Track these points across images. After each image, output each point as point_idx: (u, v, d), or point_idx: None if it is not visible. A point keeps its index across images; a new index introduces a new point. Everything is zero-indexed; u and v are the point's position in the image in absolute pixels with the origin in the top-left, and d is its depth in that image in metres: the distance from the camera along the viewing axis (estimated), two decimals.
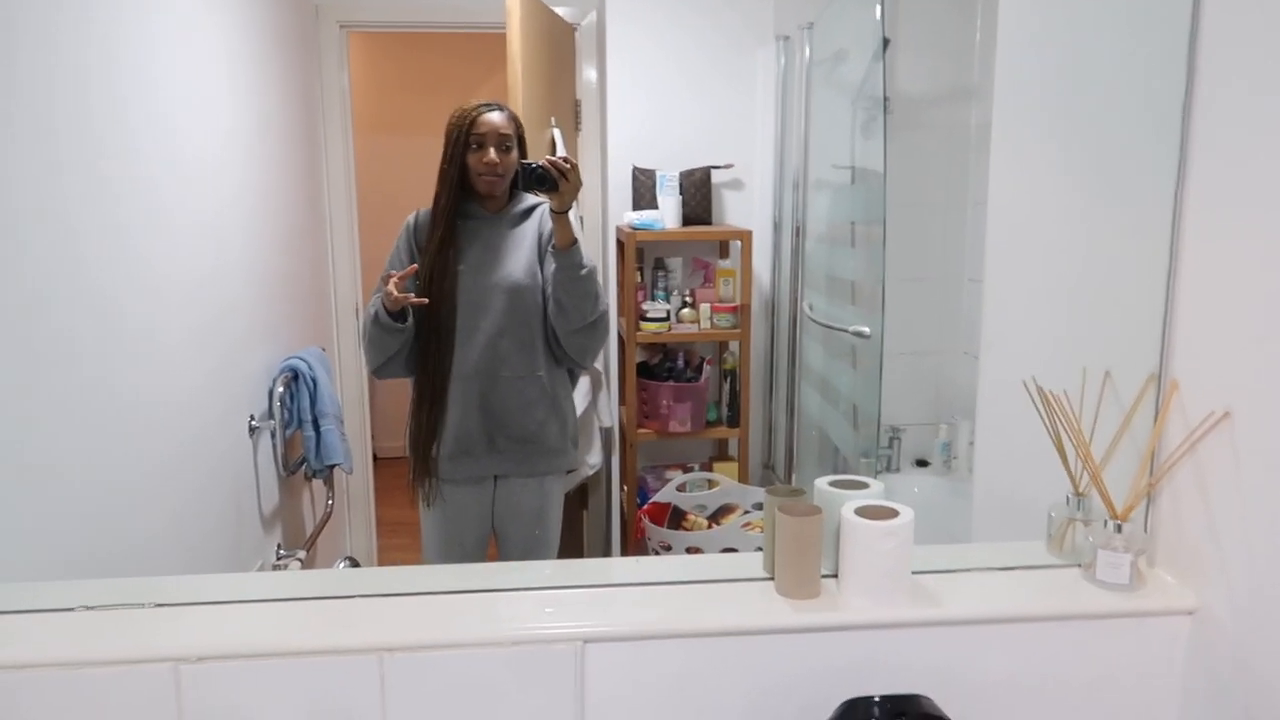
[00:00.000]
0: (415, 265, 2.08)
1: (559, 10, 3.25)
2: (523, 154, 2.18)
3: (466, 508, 2.27)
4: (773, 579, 1.13)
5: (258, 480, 2.59)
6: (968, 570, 1.18)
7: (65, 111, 1.62)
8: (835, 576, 1.13)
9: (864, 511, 1.09)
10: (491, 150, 2.11)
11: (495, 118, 2.13)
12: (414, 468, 2.25)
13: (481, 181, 2.13)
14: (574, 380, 2.38)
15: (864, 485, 1.16)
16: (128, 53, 1.88)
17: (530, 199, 2.24)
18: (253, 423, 2.53)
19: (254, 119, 2.65)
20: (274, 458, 2.69)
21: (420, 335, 2.15)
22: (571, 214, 2.07)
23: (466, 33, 4.83)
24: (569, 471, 2.38)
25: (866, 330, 2.39)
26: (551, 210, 2.05)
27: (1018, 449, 1.54)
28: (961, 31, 3.22)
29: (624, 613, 1.08)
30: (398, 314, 2.08)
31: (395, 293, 2.03)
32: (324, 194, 3.43)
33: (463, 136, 2.11)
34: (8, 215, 1.44)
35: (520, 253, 2.17)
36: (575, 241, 2.07)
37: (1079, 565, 1.18)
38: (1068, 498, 1.21)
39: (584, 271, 2.08)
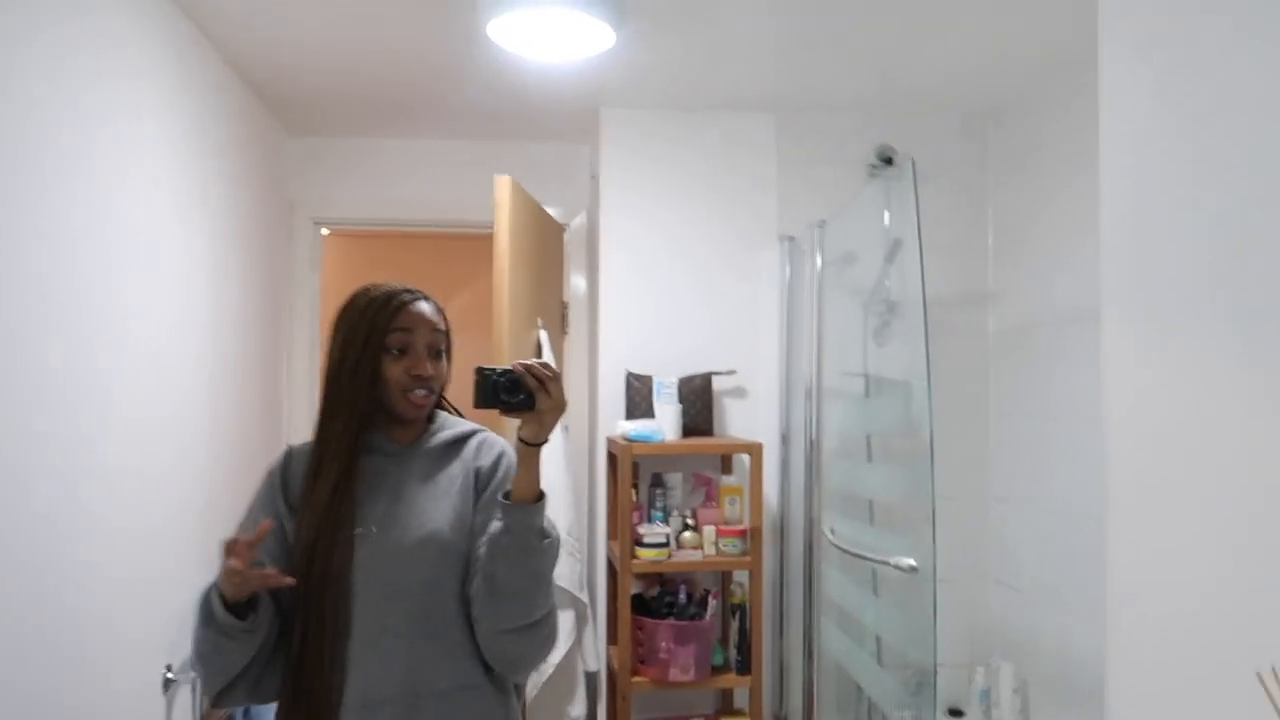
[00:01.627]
0: (267, 522, 1.36)
1: (548, 210, 3.07)
2: (449, 363, 1.56)
3: None
4: None
5: None
6: None
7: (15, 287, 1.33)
8: None
9: None
10: (424, 356, 1.48)
11: (426, 310, 1.50)
12: None
13: (406, 400, 1.46)
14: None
15: None
16: (84, 238, 1.61)
17: (456, 423, 1.59)
18: (169, 674, 2.08)
19: (215, 317, 2.36)
20: (193, 718, 2.22)
21: (290, 641, 1.41)
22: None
23: (445, 235, 4.71)
24: None
25: (913, 562, 2.02)
26: (520, 440, 1.38)
27: None
28: (973, 233, 3.07)
29: None
30: (241, 605, 1.36)
31: (238, 566, 1.30)
32: (283, 403, 3.10)
33: (378, 334, 1.46)
34: None
35: (446, 501, 1.49)
36: (542, 495, 1.40)
37: None
38: None
39: (545, 542, 1.39)
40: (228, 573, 1.31)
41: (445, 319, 1.55)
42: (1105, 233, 1.30)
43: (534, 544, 1.38)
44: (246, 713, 2.39)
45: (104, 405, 1.78)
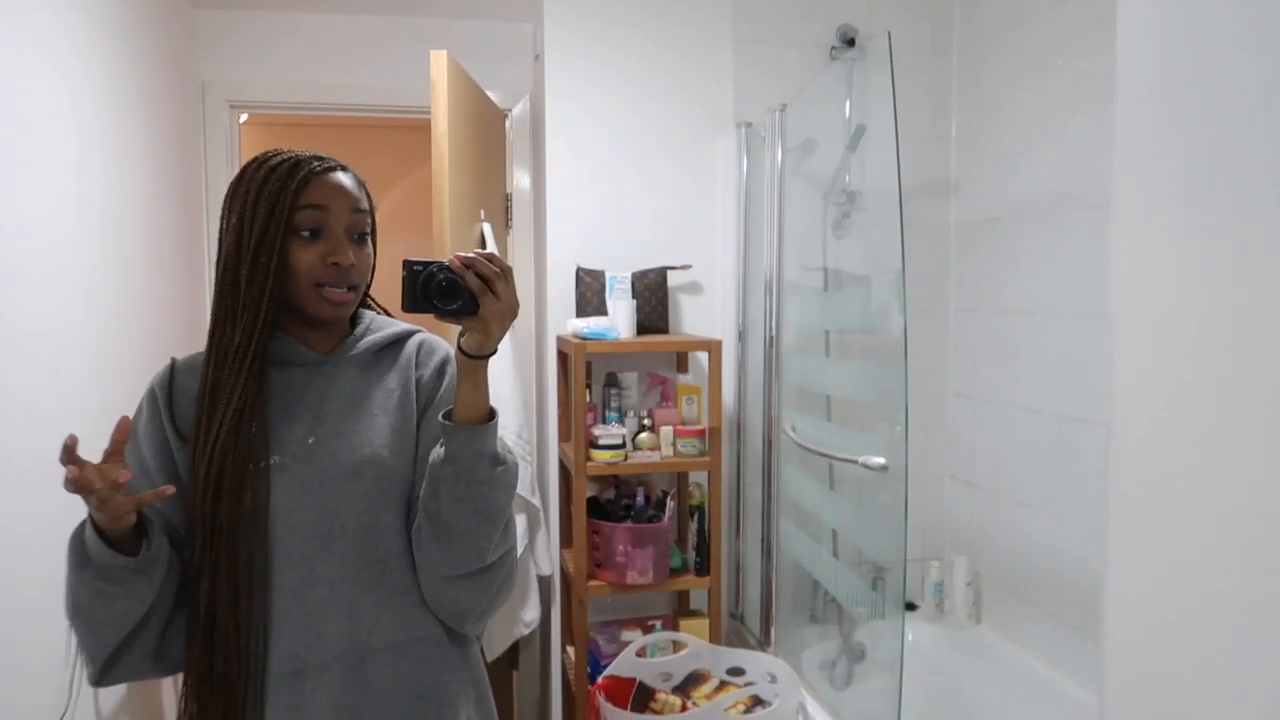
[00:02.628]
0: (165, 495, 1.08)
1: (489, 94, 2.85)
2: (374, 252, 1.26)
3: None
4: None
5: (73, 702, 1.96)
6: None
7: None
8: None
9: None
10: (343, 241, 1.18)
11: (344, 181, 1.20)
12: None
13: (320, 297, 1.18)
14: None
15: None
16: None
17: (386, 324, 1.31)
18: None
19: (113, 210, 2.11)
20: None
21: (195, 600, 1.14)
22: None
23: (381, 125, 4.41)
24: None
25: (883, 461, 1.95)
26: (461, 351, 1.13)
27: (1182, 644, 1.09)
28: (937, 122, 2.94)
29: None
30: (125, 540, 1.10)
31: (102, 487, 1.02)
32: (203, 304, 2.88)
33: (282, 213, 1.15)
34: None
35: (382, 419, 1.23)
36: (492, 414, 1.16)
37: None
38: None
39: (500, 469, 1.15)
40: (96, 497, 1.03)
41: (368, 195, 1.26)
42: (1122, 105, 1.17)
43: (484, 473, 1.13)
44: None
45: None
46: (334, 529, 1.18)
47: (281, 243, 1.16)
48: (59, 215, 1.83)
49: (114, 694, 2.03)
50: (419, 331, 1.32)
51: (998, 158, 2.74)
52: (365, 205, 1.23)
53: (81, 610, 1.11)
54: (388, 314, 1.35)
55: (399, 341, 1.30)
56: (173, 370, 1.23)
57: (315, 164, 1.19)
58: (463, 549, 1.17)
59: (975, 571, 2.83)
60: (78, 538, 1.11)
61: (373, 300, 1.35)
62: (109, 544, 1.08)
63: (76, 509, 1.11)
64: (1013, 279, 2.67)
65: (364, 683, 1.18)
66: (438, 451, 1.16)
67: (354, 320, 1.29)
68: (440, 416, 1.16)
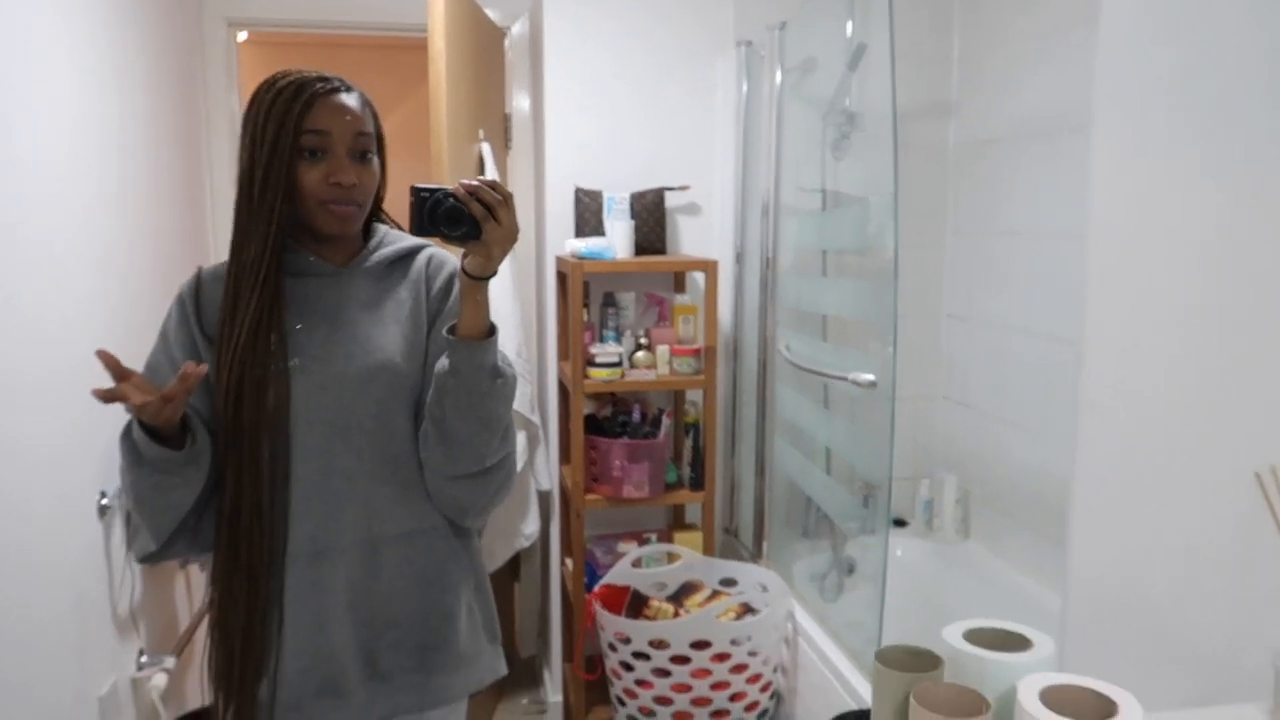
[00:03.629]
0: (199, 366, 1.14)
1: (488, 12, 2.82)
2: (382, 169, 1.34)
3: None
4: None
5: (110, 572, 2.05)
6: None
7: None
8: None
9: (1057, 698, 0.67)
10: (346, 159, 1.25)
11: (348, 101, 1.26)
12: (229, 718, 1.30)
13: (327, 212, 1.26)
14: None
15: (1021, 641, 0.75)
16: None
17: (399, 237, 1.39)
18: (104, 500, 2.00)
19: (114, 130, 2.12)
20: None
21: (223, 489, 1.26)
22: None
23: (379, 44, 4.36)
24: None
25: (872, 378, 2.00)
26: (464, 272, 1.20)
27: (1140, 549, 1.15)
28: (937, 42, 2.91)
29: None
30: (173, 436, 1.20)
31: (144, 395, 1.12)
32: (206, 224, 2.90)
33: (288, 135, 1.21)
34: None
35: (395, 327, 1.32)
36: (493, 330, 1.24)
37: None
38: None
39: (498, 382, 1.24)
40: (140, 402, 1.13)
41: (374, 113, 1.32)
42: (1105, 16, 1.18)
43: (484, 385, 1.22)
44: None
45: None
46: (350, 426, 1.28)
47: (289, 162, 1.23)
48: (56, 133, 1.85)
49: (134, 590, 2.13)
50: (428, 245, 1.39)
51: (996, 79, 2.72)
52: (369, 126, 1.28)
53: (144, 501, 1.24)
54: (400, 228, 1.41)
55: (410, 255, 1.38)
56: (199, 278, 1.32)
57: (319, 85, 1.24)
58: (463, 452, 1.27)
59: (964, 489, 2.89)
60: (126, 437, 1.22)
61: (386, 215, 1.42)
62: (158, 440, 1.19)
63: (80, 422, 1.18)
64: (1007, 201, 2.68)
65: (376, 566, 1.30)
66: (442, 362, 1.24)
67: (368, 234, 1.37)
68: (445, 331, 1.23)
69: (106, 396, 1.12)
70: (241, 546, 1.24)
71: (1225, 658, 1.02)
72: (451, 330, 1.23)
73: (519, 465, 2.54)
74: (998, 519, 2.76)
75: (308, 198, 1.25)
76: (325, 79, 1.26)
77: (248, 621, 1.26)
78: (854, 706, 1.97)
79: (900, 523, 3.03)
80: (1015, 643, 0.75)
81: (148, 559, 1.31)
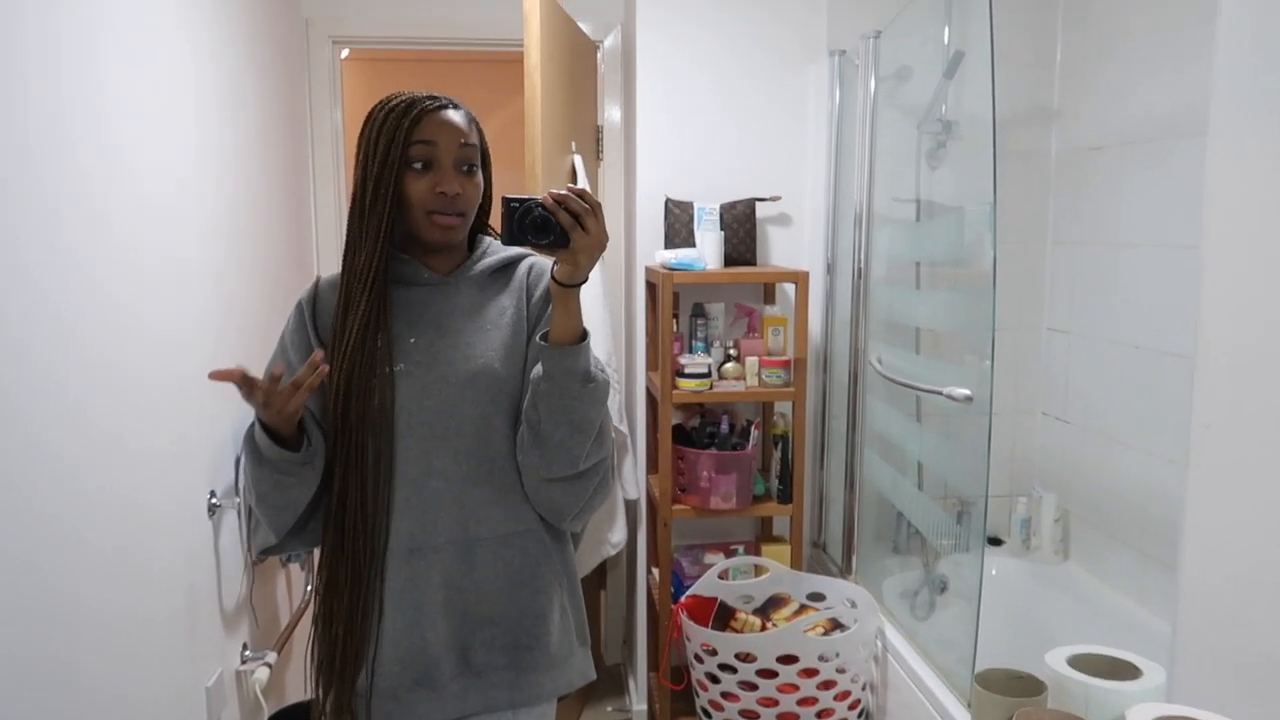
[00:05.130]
0: (319, 365, 1.21)
1: (581, 25, 2.86)
2: (486, 182, 1.39)
3: None
4: None
5: (219, 568, 2.14)
6: None
7: None
8: None
9: None
10: (450, 172, 1.31)
11: (454, 117, 1.32)
12: (325, 708, 1.36)
13: (432, 223, 1.31)
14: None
15: (1130, 669, 0.72)
16: (70, 59, 1.47)
17: (502, 250, 1.43)
18: (214, 500, 2.09)
19: (229, 145, 2.23)
20: (240, 540, 2.25)
21: (331, 486, 1.33)
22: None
23: (476, 59, 4.47)
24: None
25: (968, 393, 1.95)
26: (554, 281, 1.24)
27: (1257, 575, 1.09)
28: (1040, 48, 2.83)
29: None
30: (292, 438, 1.28)
31: (267, 393, 1.21)
32: (310, 238, 3.02)
33: (398, 148, 1.28)
34: None
35: (495, 334, 1.36)
36: (584, 335, 1.27)
37: None
38: None
39: (590, 385, 1.27)
40: (262, 397, 1.21)
41: (479, 130, 1.38)
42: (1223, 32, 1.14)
43: (575, 389, 1.26)
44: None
45: (108, 246, 1.66)
46: (450, 429, 1.33)
47: (398, 175, 1.29)
48: (181, 154, 1.95)
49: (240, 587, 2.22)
50: (530, 255, 1.44)
51: (1104, 85, 2.63)
52: (473, 139, 1.35)
53: (264, 498, 1.31)
54: None
55: (512, 264, 1.43)
56: (317, 286, 1.40)
57: (428, 103, 1.32)
58: (558, 455, 1.30)
59: (1064, 508, 2.80)
60: (250, 439, 1.29)
61: (491, 229, 1.47)
62: (278, 442, 1.27)
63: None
64: (1112, 210, 2.59)
65: (471, 565, 1.35)
66: (537, 368, 1.28)
67: (473, 244, 1.43)
68: (538, 338, 1.27)
69: (239, 379, 1.19)
70: (346, 541, 1.31)
71: None
72: (544, 336, 1.27)
73: None
74: (1099, 539, 2.66)
75: (415, 208, 1.31)
76: (434, 97, 1.33)
77: (350, 613, 1.32)
78: None
79: (995, 541, 2.94)
80: (1122, 670, 0.72)
81: (267, 553, 1.39)
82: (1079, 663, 0.74)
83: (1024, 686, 0.71)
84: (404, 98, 1.33)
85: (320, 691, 1.35)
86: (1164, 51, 2.39)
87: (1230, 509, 1.14)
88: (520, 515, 1.37)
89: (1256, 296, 1.11)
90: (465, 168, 1.33)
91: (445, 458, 1.33)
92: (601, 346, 2.58)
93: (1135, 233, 2.49)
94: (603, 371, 1.30)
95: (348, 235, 1.34)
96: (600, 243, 1.21)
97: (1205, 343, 1.16)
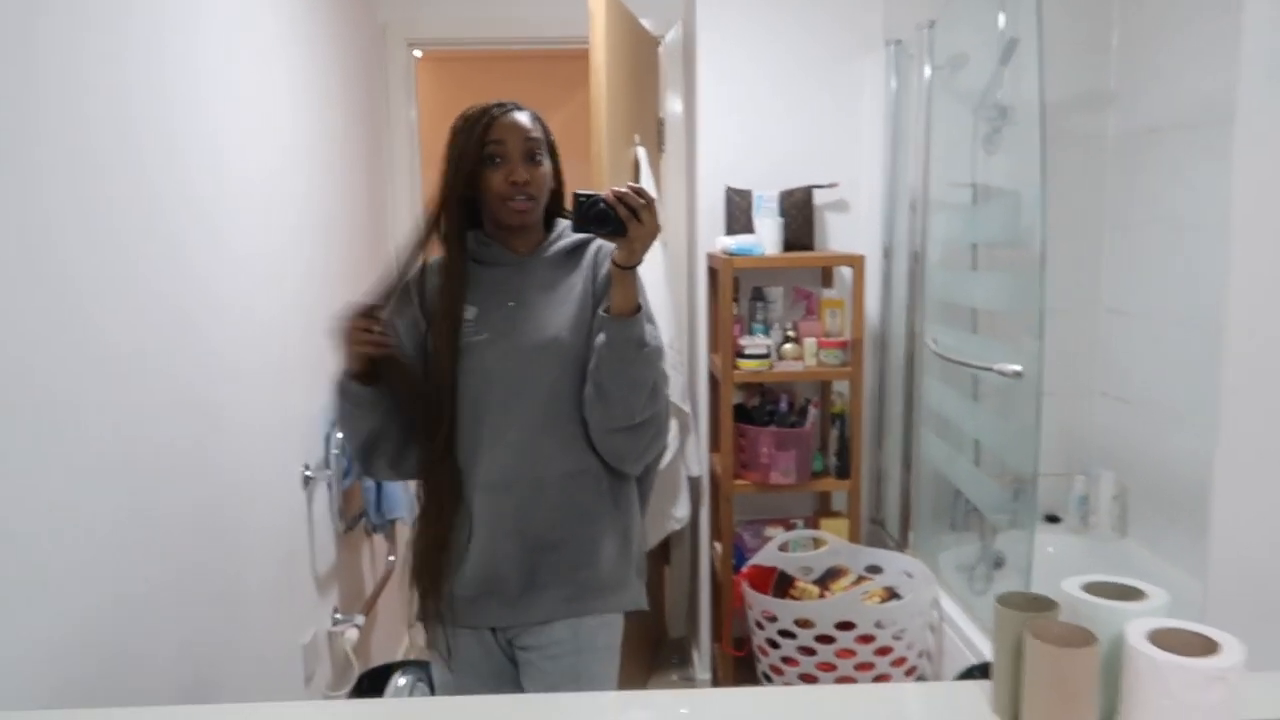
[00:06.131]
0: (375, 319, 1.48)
1: (643, 21, 2.98)
2: (556, 172, 1.62)
3: (490, 663, 1.64)
4: None
5: (312, 536, 2.32)
6: None
7: (107, 125, 1.43)
8: None
9: (1162, 639, 0.74)
10: (519, 163, 1.54)
11: (520, 118, 1.55)
12: (422, 605, 1.63)
13: (508, 209, 1.54)
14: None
15: (1136, 593, 0.82)
16: (171, 60, 1.65)
17: (573, 234, 1.64)
18: (307, 472, 2.27)
19: (314, 145, 2.40)
20: (330, 511, 2.43)
21: (423, 430, 1.57)
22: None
23: (543, 55, 4.61)
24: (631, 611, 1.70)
25: (1018, 368, 2.02)
26: (614, 264, 1.47)
27: None
28: (1096, 32, 2.86)
29: None
30: (362, 375, 1.52)
31: (353, 333, 1.46)
32: (388, 228, 3.19)
33: (473, 148, 1.52)
34: (51, 229, 1.28)
35: (566, 307, 1.58)
36: (639, 308, 1.49)
37: None
38: None
39: (644, 350, 1.49)
40: (346, 336, 1.47)
41: (544, 126, 1.60)
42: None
43: (632, 354, 1.48)
44: (379, 502, 2.59)
45: (213, 237, 1.81)
46: (525, 387, 1.56)
47: (476, 169, 1.53)
48: (275, 155, 2.13)
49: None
50: (596, 239, 1.63)
51: (1158, 67, 2.65)
52: (537, 134, 1.57)
53: (339, 422, 1.62)
54: None
55: (583, 246, 1.64)
56: (424, 268, 1.62)
57: (497, 110, 1.55)
58: (618, 409, 1.53)
59: (1123, 486, 2.83)
60: (336, 381, 1.54)
61: (567, 212, 1.66)
62: (351, 375, 1.52)
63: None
64: (1170, 192, 2.61)
65: (539, 499, 1.58)
66: (600, 336, 1.51)
67: (550, 228, 1.65)
68: (601, 310, 1.51)
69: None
70: (443, 478, 1.56)
71: None
72: (606, 309, 1.49)
73: (670, 453, 2.68)
74: (1157, 517, 2.69)
75: (492, 196, 1.54)
76: (502, 105, 1.56)
77: (438, 534, 1.58)
78: None
79: (1054, 519, 2.99)
80: (1131, 595, 0.81)
81: (358, 473, 1.74)
82: (1092, 589, 0.83)
83: (1039, 605, 0.81)
84: (480, 106, 1.56)
85: (418, 591, 1.61)
86: (1211, 34, 2.41)
87: (1257, 468, 1.21)
88: (581, 459, 1.58)
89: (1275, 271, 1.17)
90: (531, 157, 1.55)
91: (520, 411, 1.55)
92: (666, 329, 2.69)
93: (1191, 213, 2.52)
94: (656, 339, 1.52)
95: (445, 223, 1.56)
96: (653, 232, 1.43)
97: (1233, 316, 1.23)
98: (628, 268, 1.45)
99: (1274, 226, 1.18)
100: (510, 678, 1.65)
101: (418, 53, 3.27)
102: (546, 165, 1.58)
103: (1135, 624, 0.75)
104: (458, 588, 1.60)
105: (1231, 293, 1.21)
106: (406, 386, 1.56)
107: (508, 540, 1.57)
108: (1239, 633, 1.20)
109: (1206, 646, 0.74)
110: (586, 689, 1.58)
